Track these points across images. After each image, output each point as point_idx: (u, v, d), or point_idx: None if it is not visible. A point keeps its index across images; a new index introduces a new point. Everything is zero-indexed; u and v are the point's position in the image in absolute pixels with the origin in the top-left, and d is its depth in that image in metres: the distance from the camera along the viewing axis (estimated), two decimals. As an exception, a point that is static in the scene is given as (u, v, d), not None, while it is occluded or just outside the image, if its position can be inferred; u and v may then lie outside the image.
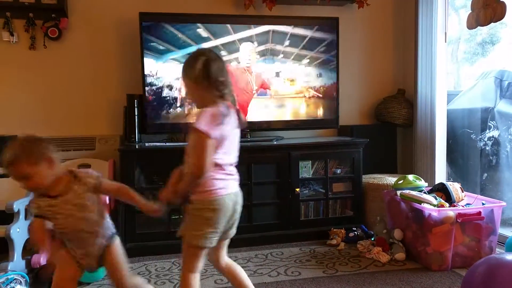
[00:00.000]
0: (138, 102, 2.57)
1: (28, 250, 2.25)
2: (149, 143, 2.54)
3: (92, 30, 2.73)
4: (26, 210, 2.24)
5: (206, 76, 1.38)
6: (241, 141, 2.65)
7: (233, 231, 1.53)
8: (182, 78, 1.45)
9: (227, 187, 1.42)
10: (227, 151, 1.42)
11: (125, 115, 2.60)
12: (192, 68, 1.40)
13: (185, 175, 1.40)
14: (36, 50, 2.64)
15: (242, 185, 2.65)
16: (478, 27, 2.42)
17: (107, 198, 2.28)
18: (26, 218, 2.24)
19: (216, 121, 1.34)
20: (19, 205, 2.17)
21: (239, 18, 2.74)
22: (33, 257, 2.18)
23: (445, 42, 2.80)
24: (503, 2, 2.24)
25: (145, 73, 2.56)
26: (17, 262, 2.09)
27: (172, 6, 2.77)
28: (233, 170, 1.48)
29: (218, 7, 2.87)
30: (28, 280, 1.94)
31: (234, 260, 2.27)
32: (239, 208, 1.49)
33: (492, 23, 2.33)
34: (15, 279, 1.89)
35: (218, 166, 1.39)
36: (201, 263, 1.43)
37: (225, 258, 1.55)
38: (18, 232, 2.14)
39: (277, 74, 2.78)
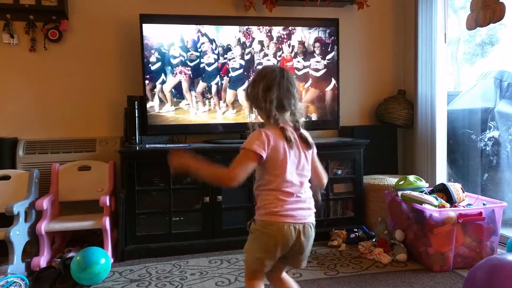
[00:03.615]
0: (139, 104, 2.56)
1: (28, 253, 2.25)
2: (150, 145, 2.53)
3: (92, 32, 2.73)
4: (26, 212, 2.24)
5: (262, 98, 1.34)
6: (241, 143, 2.67)
7: (301, 264, 1.42)
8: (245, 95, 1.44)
9: (293, 214, 1.32)
10: (285, 174, 1.33)
11: (126, 116, 2.60)
12: (251, 87, 1.39)
13: (218, 168, 1.34)
14: (36, 52, 2.64)
15: (242, 186, 2.67)
16: (478, 28, 2.43)
17: (107, 200, 2.28)
18: (26, 220, 2.24)
19: (261, 140, 1.30)
20: (19, 208, 2.17)
21: (240, 20, 2.74)
22: (33, 260, 2.17)
23: (445, 43, 2.80)
24: (502, 3, 2.25)
25: (145, 74, 2.56)
26: (16, 265, 2.09)
27: (172, 8, 2.77)
28: (304, 198, 1.37)
29: (218, 8, 2.87)
30: (28, 283, 1.93)
31: (235, 262, 2.28)
32: (305, 241, 1.35)
33: (491, 24, 2.34)
34: (15, 282, 1.88)
35: (279, 189, 1.32)
36: (263, 274, 1.40)
37: (283, 274, 1.47)
38: (18, 234, 2.13)
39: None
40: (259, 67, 1.29)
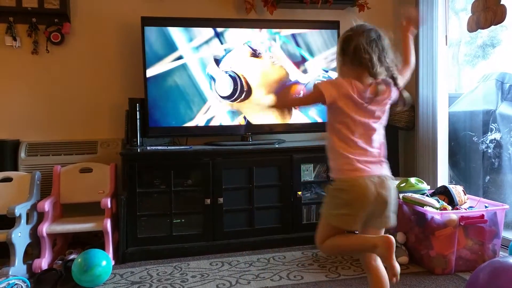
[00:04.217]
0: (140, 106, 2.57)
1: (29, 255, 2.25)
2: (151, 147, 2.54)
3: (94, 34, 2.74)
4: (27, 214, 2.25)
5: (345, 52, 1.38)
6: (242, 145, 2.69)
7: (385, 221, 1.43)
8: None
9: (367, 168, 1.36)
10: (358, 127, 1.37)
11: (127, 118, 2.61)
12: (337, 44, 1.44)
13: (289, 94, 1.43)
14: (39, 55, 2.65)
15: (243, 188, 2.66)
16: (479, 30, 2.42)
17: (109, 202, 2.29)
18: (27, 222, 2.24)
19: (339, 82, 1.36)
20: (21, 210, 2.17)
21: (241, 22, 2.75)
22: (34, 262, 2.18)
23: (446, 45, 2.80)
24: (503, 5, 2.24)
25: (147, 76, 2.57)
26: (18, 267, 2.09)
27: (174, 11, 2.78)
28: (377, 152, 1.41)
29: (219, 11, 2.88)
30: (29, 285, 1.94)
31: (236, 264, 2.28)
32: (387, 194, 1.38)
33: (492, 26, 2.33)
34: (16, 284, 1.89)
35: (351, 142, 1.37)
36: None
37: (379, 261, 1.45)
38: (20, 236, 2.14)
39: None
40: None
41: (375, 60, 1.37)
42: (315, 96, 1.42)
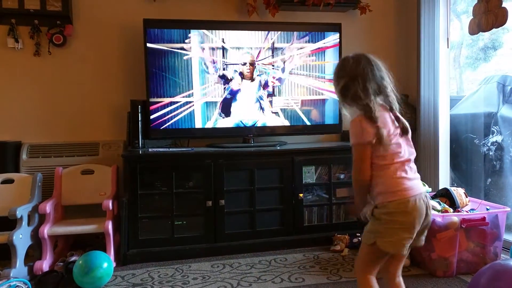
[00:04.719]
0: (142, 108, 2.58)
1: (31, 256, 2.25)
2: (153, 149, 2.54)
3: (96, 36, 2.75)
4: (29, 216, 2.25)
5: (344, 87, 1.39)
6: (244, 147, 2.69)
7: (422, 238, 1.43)
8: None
9: (414, 187, 1.36)
10: (393, 149, 1.37)
11: (129, 120, 2.61)
12: (334, 74, 1.43)
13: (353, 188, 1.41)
14: (41, 57, 2.65)
15: (245, 190, 2.66)
16: (480, 32, 2.43)
17: (110, 203, 2.29)
18: (28, 224, 2.24)
19: (362, 127, 1.35)
20: (22, 211, 2.17)
21: (243, 25, 2.75)
22: (35, 264, 2.17)
23: (448, 47, 2.80)
24: (505, 8, 2.25)
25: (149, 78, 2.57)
26: (19, 269, 2.09)
27: (176, 13, 2.79)
28: (414, 169, 1.41)
29: (221, 13, 2.89)
30: (30, 287, 1.94)
31: (237, 266, 2.28)
32: (430, 213, 1.39)
33: (494, 29, 2.34)
34: (17, 286, 1.88)
35: (395, 164, 1.35)
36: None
37: (399, 275, 1.46)
38: (21, 238, 2.14)
39: (280, 80, 2.79)
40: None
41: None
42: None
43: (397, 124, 1.40)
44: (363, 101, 1.36)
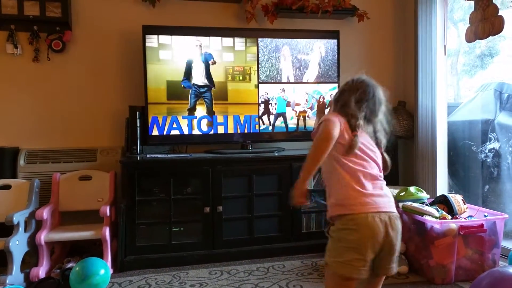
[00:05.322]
0: (140, 114, 2.58)
1: (27, 263, 2.24)
2: (151, 155, 2.54)
3: (95, 42, 2.75)
4: (25, 222, 2.24)
5: (339, 103, 1.38)
6: (242, 153, 2.69)
7: (388, 267, 1.29)
8: None
9: (373, 204, 1.23)
10: (362, 161, 1.28)
11: (127, 126, 2.61)
12: (342, 82, 1.44)
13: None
14: (40, 63, 2.66)
15: (243, 196, 2.65)
16: (477, 40, 2.45)
17: (108, 210, 2.28)
18: (25, 230, 2.23)
19: (338, 121, 1.29)
20: (19, 217, 2.16)
21: (241, 32, 2.77)
22: (32, 271, 2.16)
23: (445, 54, 2.82)
24: (501, 16, 2.27)
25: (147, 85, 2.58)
26: (15, 276, 2.08)
27: (174, 20, 2.80)
28: (382, 185, 1.30)
29: (220, 20, 2.90)
30: (27, 294, 1.92)
31: (235, 273, 2.27)
32: (394, 235, 1.25)
33: (490, 36, 2.36)
34: (14, 292, 1.87)
35: (356, 175, 1.25)
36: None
37: None
38: (18, 244, 2.12)
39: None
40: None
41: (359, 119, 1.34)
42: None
43: (376, 157, 1.34)
44: (351, 110, 1.34)
